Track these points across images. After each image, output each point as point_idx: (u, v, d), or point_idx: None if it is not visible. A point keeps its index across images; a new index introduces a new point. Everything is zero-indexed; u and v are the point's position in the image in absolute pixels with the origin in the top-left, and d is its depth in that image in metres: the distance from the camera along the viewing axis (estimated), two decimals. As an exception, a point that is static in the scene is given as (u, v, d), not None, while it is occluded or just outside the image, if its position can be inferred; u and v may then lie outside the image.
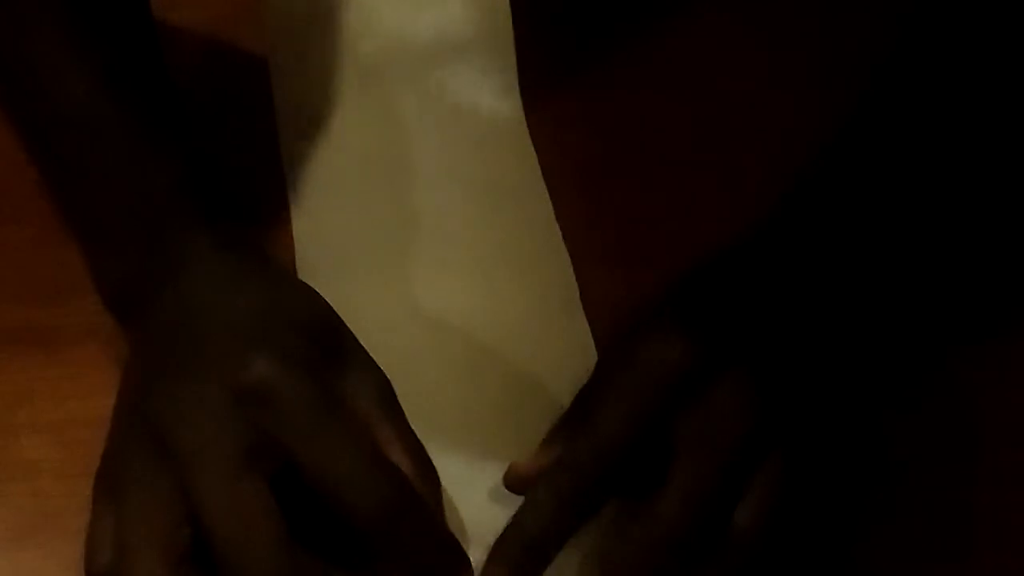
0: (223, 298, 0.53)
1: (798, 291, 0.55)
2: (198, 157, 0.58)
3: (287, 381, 0.50)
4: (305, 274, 0.62)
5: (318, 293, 0.55)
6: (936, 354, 0.61)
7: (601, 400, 0.53)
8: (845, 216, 0.58)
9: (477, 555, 0.52)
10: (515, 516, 0.52)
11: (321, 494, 0.50)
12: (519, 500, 0.53)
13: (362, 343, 0.54)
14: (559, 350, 0.60)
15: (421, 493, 0.51)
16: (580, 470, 0.51)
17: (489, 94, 0.69)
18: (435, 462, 0.54)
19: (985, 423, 0.60)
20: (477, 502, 0.55)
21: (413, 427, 0.55)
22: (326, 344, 0.53)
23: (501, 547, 0.51)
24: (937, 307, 0.61)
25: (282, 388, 0.50)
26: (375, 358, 0.54)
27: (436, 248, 0.64)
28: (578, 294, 0.62)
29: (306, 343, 0.52)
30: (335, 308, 0.54)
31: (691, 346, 0.52)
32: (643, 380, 0.52)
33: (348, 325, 0.54)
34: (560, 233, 0.64)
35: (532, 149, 0.67)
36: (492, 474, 0.56)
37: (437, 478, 0.53)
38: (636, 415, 0.52)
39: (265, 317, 0.53)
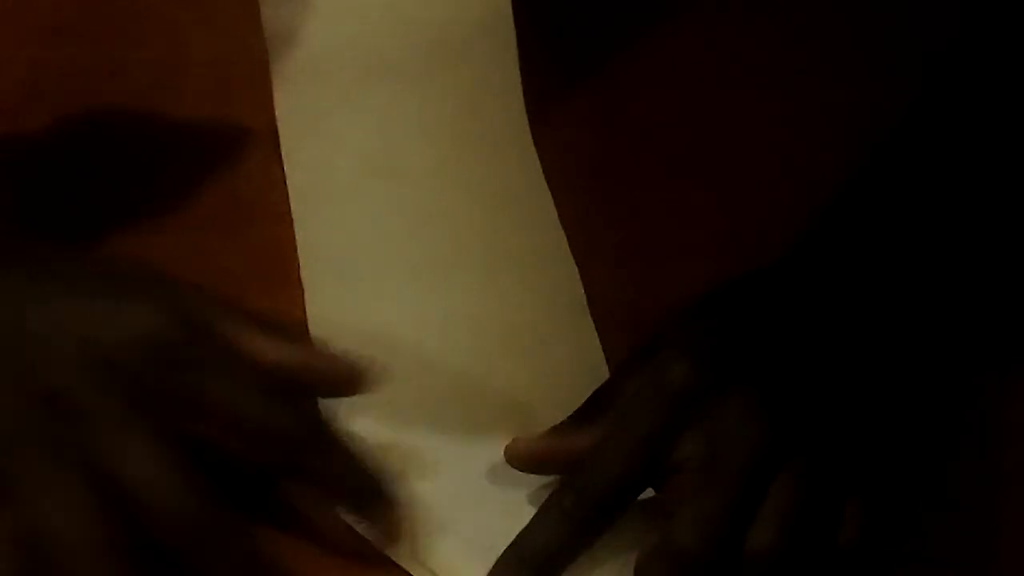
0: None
1: (815, 313, 0.55)
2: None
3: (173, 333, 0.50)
4: (309, 280, 0.61)
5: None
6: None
7: (609, 417, 0.53)
8: (869, 243, 0.57)
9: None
10: (519, 535, 0.52)
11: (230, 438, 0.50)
12: (525, 503, 0.53)
13: (367, 347, 0.54)
14: (566, 352, 0.60)
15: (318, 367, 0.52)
16: (586, 493, 0.51)
17: (491, 94, 0.69)
18: (442, 466, 0.54)
19: (985, 424, 0.59)
20: (484, 506, 0.55)
21: (419, 432, 0.55)
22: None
23: (501, 564, 0.51)
24: (962, 324, 0.60)
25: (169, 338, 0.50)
26: (380, 363, 0.53)
27: (439, 251, 0.63)
28: (584, 295, 0.62)
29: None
30: (340, 313, 0.54)
31: (696, 364, 0.52)
32: (649, 400, 0.52)
33: (353, 330, 0.54)
34: (564, 234, 0.64)
35: (534, 150, 0.67)
36: (499, 478, 0.55)
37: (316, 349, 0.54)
38: (642, 439, 0.52)
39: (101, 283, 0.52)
